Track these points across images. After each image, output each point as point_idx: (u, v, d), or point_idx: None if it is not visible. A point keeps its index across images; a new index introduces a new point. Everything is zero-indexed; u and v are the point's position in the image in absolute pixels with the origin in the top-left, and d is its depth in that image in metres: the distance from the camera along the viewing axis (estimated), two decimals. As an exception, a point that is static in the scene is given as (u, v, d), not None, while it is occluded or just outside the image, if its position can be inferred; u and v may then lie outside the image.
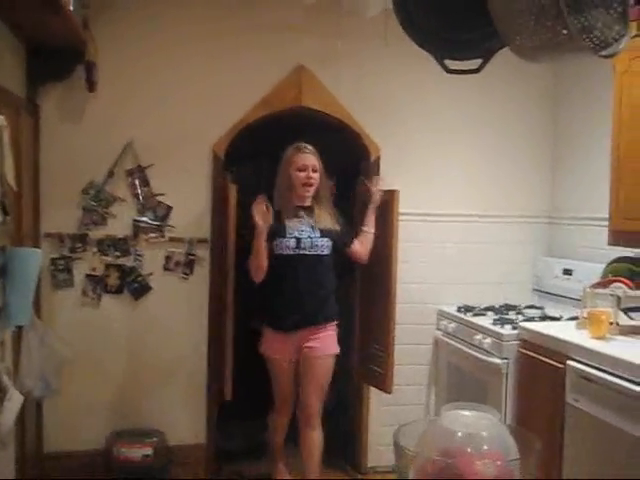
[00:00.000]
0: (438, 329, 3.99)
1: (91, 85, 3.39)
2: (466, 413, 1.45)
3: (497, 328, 3.38)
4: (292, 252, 3.30)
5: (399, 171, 3.89)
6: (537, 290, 4.11)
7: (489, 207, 4.12)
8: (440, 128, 4.00)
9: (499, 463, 1.36)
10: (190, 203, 3.68)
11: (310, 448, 3.44)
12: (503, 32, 1.24)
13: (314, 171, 3.34)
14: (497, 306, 3.89)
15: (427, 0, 1.51)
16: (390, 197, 3.65)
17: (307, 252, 3.31)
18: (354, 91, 3.82)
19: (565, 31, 1.13)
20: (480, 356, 3.42)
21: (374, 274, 3.77)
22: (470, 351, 3.53)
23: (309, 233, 3.33)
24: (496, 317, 3.59)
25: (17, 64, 3.18)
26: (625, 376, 2.53)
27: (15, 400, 2.54)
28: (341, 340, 3.48)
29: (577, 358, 2.80)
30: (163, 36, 3.56)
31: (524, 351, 3.18)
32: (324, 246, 3.35)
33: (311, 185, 3.33)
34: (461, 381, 3.72)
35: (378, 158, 3.93)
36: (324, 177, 3.41)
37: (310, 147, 3.37)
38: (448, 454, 1.38)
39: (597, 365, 2.69)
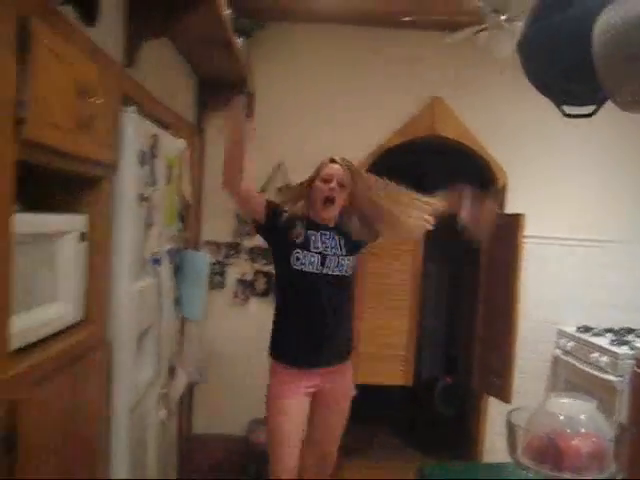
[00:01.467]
0: (557, 347, 4.17)
1: (249, 112, 3.88)
2: (567, 400, 1.74)
3: (614, 347, 3.55)
4: (316, 270, 2.67)
5: (524, 197, 4.13)
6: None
7: (610, 232, 4.25)
8: (564, 160, 4.20)
9: (594, 439, 1.63)
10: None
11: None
12: (605, 87, 1.53)
13: (341, 185, 2.68)
14: (616, 328, 4.03)
15: (547, 54, 1.81)
16: (516, 221, 3.91)
17: (331, 272, 2.69)
18: (485, 122, 4.11)
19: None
20: (596, 373, 3.60)
21: (498, 292, 4.04)
22: (587, 369, 3.71)
23: (335, 250, 2.71)
24: (614, 338, 3.75)
25: (191, 96, 3.72)
26: None
27: (181, 378, 3.02)
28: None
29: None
30: (313, 72, 4.02)
31: (638, 370, 3.35)
32: (348, 266, 2.74)
33: (332, 201, 2.67)
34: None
35: (505, 185, 4.19)
36: (358, 201, 2.75)
37: (345, 160, 2.79)
38: (551, 432, 1.68)
39: None
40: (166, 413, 2.84)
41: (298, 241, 2.67)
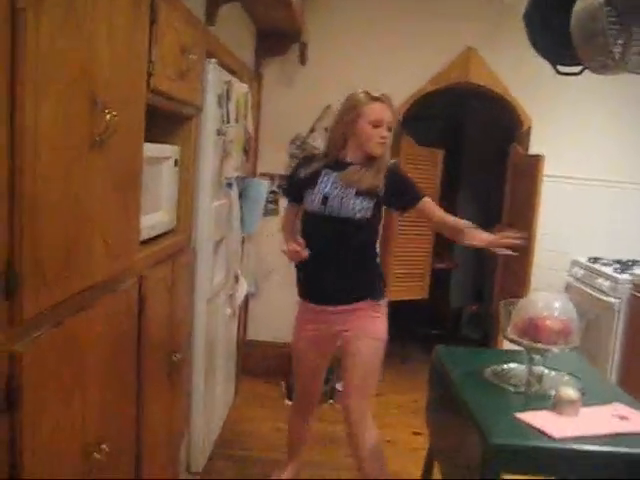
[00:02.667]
0: (570, 275, 4.69)
1: (303, 60, 4.41)
2: (544, 294, 2.29)
3: (616, 274, 4.06)
4: (317, 209, 2.70)
5: (546, 139, 4.60)
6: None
7: (626, 174, 4.70)
8: (585, 105, 4.63)
9: (563, 320, 2.18)
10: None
11: (366, 457, 2.78)
12: (583, 51, 2.03)
13: (389, 129, 2.71)
14: (624, 260, 4.52)
15: (544, 25, 2.31)
16: (536, 161, 4.40)
17: (334, 214, 2.66)
18: (513, 71, 4.55)
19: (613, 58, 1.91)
20: (599, 296, 4.12)
21: (519, 224, 4.55)
22: (593, 293, 4.24)
23: (339, 191, 2.67)
24: (618, 267, 4.25)
25: (251, 44, 4.24)
26: None
27: (243, 284, 3.63)
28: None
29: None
30: (360, 22, 4.50)
31: (636, 293, 3.87)
32: (360, 209, 2.65)
33: (384, 144, 2.69)
34: (584, 318, 4.43)
35: (529, 128, 4.65)
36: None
37: (387, 96, 2.74)
38: (531, 315, 2.23)
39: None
40: (231, 312, 3.46)
41: (310, 180, 2.75)
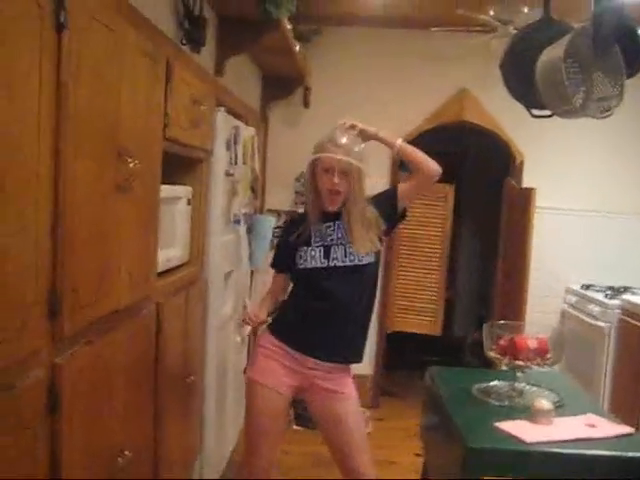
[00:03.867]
0: (565, 302, 4.91)
1: (306, 103, 4.70)
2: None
3: (606, 300, 4.28)
4: (319, 264, 2.53)
5: (538, 173, 4.86)
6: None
7: (616, 204, 4.94)
8: (575, 143, 4.89)
9: (539, 340, 2.40)
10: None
11: None
12: (547, 100, 2.29)
13: (344, 174, 2.47)
14: (616, 286, 4.72)
15: (517, 75, 2.57)
16: (528, 194, 4.64)
17: (339, 263, 2.52)
18: (505, 109, 4.76)
19: (576, 104, 2.17)
20: (591, 322, 4.33)
21: (514, 256, 4.79)
22: (585, 318, 4.45)
23: (341, 240, 2.54)
24: (609, 293, 4.46)
25: (256, 89, 4.54)
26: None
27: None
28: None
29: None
30: (359, 67, 4.80)
31: (623, 317, 4.08)
32: (360, 255, 2.53)
33: (337, 193, 2.50)
34: (578, 343, 4.64)
35: (522, 162, 4.91)
36: (361, 185, 2.53)
37: (344, 140, 2.52)
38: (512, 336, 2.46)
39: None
40: (240, 339, 3.69)
41: (300, 240, 2.58)
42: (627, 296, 4.21)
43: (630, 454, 2.03)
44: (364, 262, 2.53)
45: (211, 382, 3.12)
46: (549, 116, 2.59)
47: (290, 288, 2.73)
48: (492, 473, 2.08)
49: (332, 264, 2.53)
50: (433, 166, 2.58)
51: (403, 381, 5.33)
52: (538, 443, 2.03)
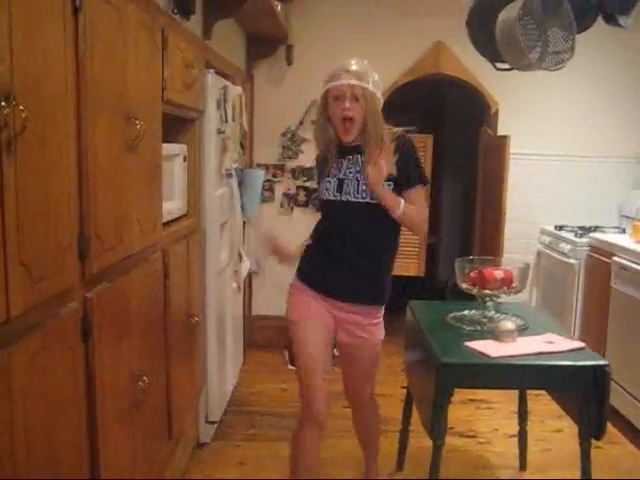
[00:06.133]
0: (540, 243, 5.21)
1: (289, 60, 4.92)
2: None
3: (576, 238, 4.58)
4: (332, 197, 2.52)
5: (513, 121, 5.11)
6: (624, 216, 5.20)
7: (588, 149, 5.22)
8: (549, 85, 5.12)
9: (506, 271, 2.70)
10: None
11: (367, 430, 2.95)
12: (506, 55, 2.54)
13: (355, 99, 2.40)
14: (587, 226, 5.02)
15: (480, 31, 2.82)
16: (503, 141, 4.91)
17: (351, 198, 2.48)
18: (479, 60, 5.01)
19: (533, 60, 2.42)
20: (563, 259, 4.65)
21: (491, 200, 5.07)
22: (557, 256, 4.76)
23: (356, 175, 2.49)
24: (579, 232, 4.76)
25: (242, 49, 4.74)
26: (646, 264, 3.72)
27: (245, 262, 4.14)
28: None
29: (620, 255, 4.00)
30: (339, 24, 4.99)
31: (591, 254, 4.39)
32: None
33: (350, 119, 2.42)
34: (551, 279, 4.96)
35: (497, 111, 5.16)
36: (376, 110, 2.49)
37: (355, 67, 2.43)
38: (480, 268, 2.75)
39: (631, 259, 3.87)
40: (236, 286, 3.99)
41: (325, 170, 2.58)
42: (595, 234, 4.51)
43: (580, 363, 2.36)
44: (375, 201, 2.45)
45: (212, 323, 3.42)
46: (510, 69, 2.84)
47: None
48: (463, 385, 2.39)
49: (344, 198, 2.49)
50: (423, 229, 2.64)
51: (388, 322, 5.63)
52: (502, 357, 2.34)
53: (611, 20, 2.42)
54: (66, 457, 1.68)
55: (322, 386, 2.56)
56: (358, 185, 2.47)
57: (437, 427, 2.35)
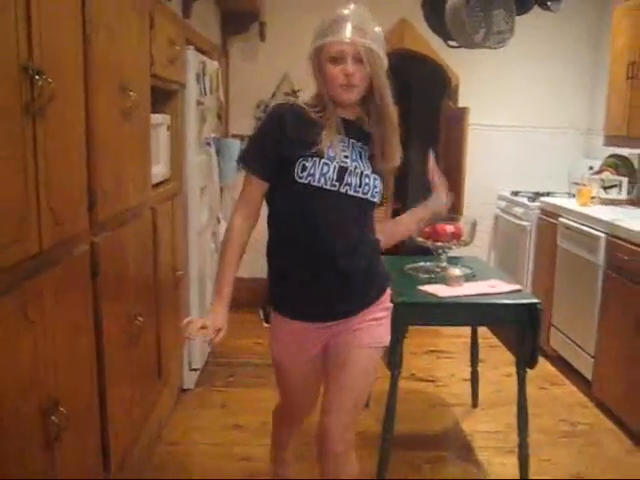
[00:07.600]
0: (497, 208, 5.60)
1: (262, 37, 5.21)
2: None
3: (528, 202, 4.97)
4: (329, 186, 1.93)
5: (473, 94, 5.47)
6: (574, 183, 5.60)
7: (543, 121, 5.60)
8: (507, 60, 5.47)
9: (457, 226, 3.06)
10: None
11: None
12: (454, 35, 2.87)
13: (358, 62, 1.90)
14: (540, 192, 5.41)
15: (434, 13, 3.15)
16: (462, 113, 5.27)
17: (351, 191, 1.96)
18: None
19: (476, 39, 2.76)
20: (516, 222, 5.04)
21: (452, 168, 5.44)
22: (512, 219, 5.15)
23: (358, 164, 1.99)
24: (532, 197, 5.15)
25: (216, 25, 5.02)
26: (587, 224, 4.10)
27: (223, 225, 4.45)
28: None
29: (565, 215, 4.39)
30: (309, 2, 5.28)
31: (541, 216, 4.79)
32: (375, 189, 2.01)
33: (352, 85, 1.92)
34: (507, 241, 5.36)
35: (457, 84, 5.51)
36: (384, 76, 1.97)
37: (357, 20, 1.96)
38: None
39: (574, 219, 4.27)
40: (214, 247, 4.31)
41: (306, 142, 1.92)
42: (545, 199, 4.90)
43: (517, 301, 2.74)
44: (375, 200, 2.04)
45: (194, 278, 3.76)
46: (459, 47, 3.18)
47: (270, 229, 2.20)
48: (416, 323, 2.77)
49: (343, 190, 1.95)
50: None
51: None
52: (449, 297, 2.71)
53: (542, 4, 2.76)
54: (79, 370, 2.02)
55: (307, 409, 2.38)
56: (361, 177, 1.97)
57: (393, 359, 2.71)
